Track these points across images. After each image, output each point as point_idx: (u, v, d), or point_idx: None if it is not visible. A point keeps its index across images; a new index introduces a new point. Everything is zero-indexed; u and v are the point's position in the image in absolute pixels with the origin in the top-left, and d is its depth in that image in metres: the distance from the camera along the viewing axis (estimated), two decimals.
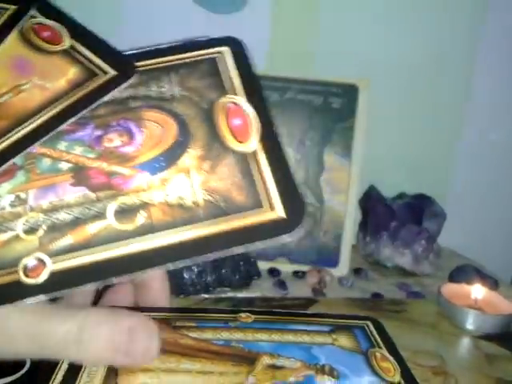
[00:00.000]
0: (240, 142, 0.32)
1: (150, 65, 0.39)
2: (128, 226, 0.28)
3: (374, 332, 0.47)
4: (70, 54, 0.40)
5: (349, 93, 0.88)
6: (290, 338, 0.44)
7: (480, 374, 0.59)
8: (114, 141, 0.32)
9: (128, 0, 0.90)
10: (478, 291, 0.75)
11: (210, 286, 0.74)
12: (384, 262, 0.92)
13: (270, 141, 0.32)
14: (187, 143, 0.32)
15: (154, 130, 0.32)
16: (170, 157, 0.31)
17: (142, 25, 0.91)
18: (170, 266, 0.29)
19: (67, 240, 0.27)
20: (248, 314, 0.47)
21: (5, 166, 0.31)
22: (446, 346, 0.64)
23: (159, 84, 0.36)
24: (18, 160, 0.31)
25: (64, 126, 0.33)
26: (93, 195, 0.29)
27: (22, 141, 0.33)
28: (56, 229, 0.27)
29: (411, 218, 0.93)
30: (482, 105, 1.06)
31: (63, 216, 0.28)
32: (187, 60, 0.38)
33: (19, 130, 0.33)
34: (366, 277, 0.87)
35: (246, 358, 0.41)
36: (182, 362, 0.37)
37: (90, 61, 0.39)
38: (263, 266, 0.82)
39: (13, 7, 0.43)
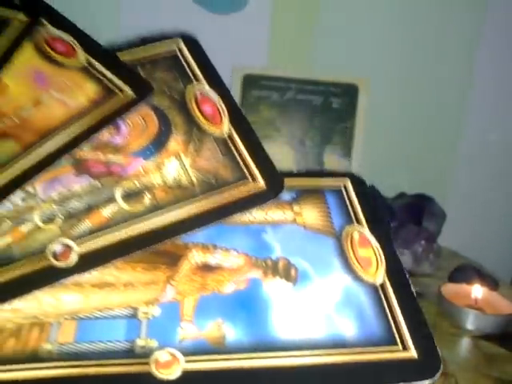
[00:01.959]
0: (214, 124, 0.35)
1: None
2: (137, 207, 0.31)
3: (354, 196, 0.39)
4: (85, 69, 0.42)
5: (349, 93, 0.88)
6: (235, 216, 0.36)
7: (480, 373, 0.59)
8: (103, 134, 0.34)
9: (128, 2, 0.90)
10: (477, 291, 0.75)
11: None
12: None
13: (238, 120, 0.36)
14: (170, 130, 0.35)
15: (136, 121, 0.36)
16: (158, 143, 0.34)
17: (141, 25, 0.91)
18: (179, 238, 0.32)
19: (86, 225, 0.30)
20: None
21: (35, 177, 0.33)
22: (446, 346, 0.64)
23: None
24: None
25: None
26: (97, 183, 0.31)
27: (49, 155, 0.34)
28: (72, 216, 0.30)
29: (411, 218, 0.93)
30: (482, 105, 1.06)
31: (75, 204, 0.30)
32: (150, 56, 0.41)
33: (45, 146, 0.35)
34: None
35: (168, 255, 0.33)
36: (103, 272, 0.32)
37: (106, 77, 0.41)
38: None
39: (25, 19, 0.44)
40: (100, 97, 0.39)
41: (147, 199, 0.31)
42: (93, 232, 0.30)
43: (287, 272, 0.33)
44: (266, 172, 0.35)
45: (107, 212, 0.30)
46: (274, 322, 0.32)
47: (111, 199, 0.30)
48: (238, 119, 0.36)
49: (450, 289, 0.76)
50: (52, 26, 0.44)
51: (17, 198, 0.30)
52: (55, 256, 0.29)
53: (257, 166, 0.36)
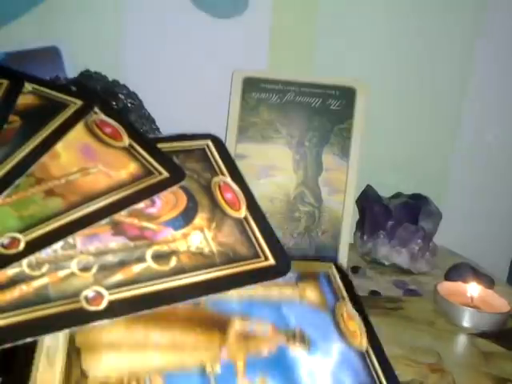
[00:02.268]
0: (234, 209, 0.42)
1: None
2: (164, 268, 0.35)
3: (338, 278, 0.50)
4: (129, 151, 0.47)
5: (347, 95, 0.88)
6: (259, 291, 0.44)
7: (476, 370, 0.59)
8: (140, 204, 0.40)
9: (129, 6, 0.91)
10: (473, 289, 0.76)
11: None
12: (381, 260, 0.93)
13: (254, 208, 0.43)
14: (196, 208, 0.41)
15: (169, 198, 0.41)
16: (186, 217, 0.40)
17: (143, 29, 0.92)
18: (196, 300, 0.37)
19: (118, 277, 0.34)
20: None
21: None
22: (442, 343, 0.65)
23: None
24: None
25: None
26: (131, 243, 0.36)
27: (90, 216, 0.38)
28: (106, 268, 0.34)
29: (408, 218, 0.94)
30: (477, 106, 1.07)
31: (110, 258, 0.34)
32: (184, 148, 0.48)
33: (87, 207, 0.39)
34: (364, 275, 0.89)
35: (216, 322, 0.40)
36: (150, 334, 0.37)
37: (146, 160, 0.46)
38: None
39: (79, 102, 0.51)
40: (140, 174, 0.44)
41: (173, 262, 0.35)
42: (123, 284, 0.33)
43: (302, 339, 0.41)
44: (276, 252, 0.41)
45: (137, 268, 0.34)
46: (303, 378, 0.40)
47: (142, 258, 0.34)
48: (253, 207, 0.42)
49: (446, 287, 0.77)
50: (101, 111, 0.50)
51: (57, 245, 0.33)
52: (87, 301, 0.32)
53: (268, 247, 0.40)
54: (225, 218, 0.41)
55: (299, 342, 0.42)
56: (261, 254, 0.40)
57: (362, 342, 0.44)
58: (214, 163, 0.45)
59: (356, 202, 0.97)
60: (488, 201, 1.12)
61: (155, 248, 0.37)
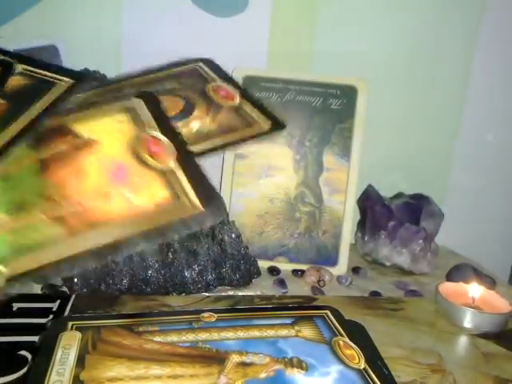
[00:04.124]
0: (227, 100, 0.47)
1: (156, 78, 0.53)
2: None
3: (334, 320, 0.53)
4: (166, 176, 0.45)
5: (348, 94, 0.88)
6: (256, 333, 0.48)
7: (477, 371, 0.59)
8: None
9: (129, 4, 0.91)
10: (475, 290, 0.76)
11: (210, 284, 0.74)
12: (382, 260, 0.93)
13: (244, 95, 0.48)
14: (193, 107, 0.46)
15: (168, 104, 0.46)
16: (184, 114, 0.45)
17: (142, 28, 0.92)
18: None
19: None
20: (211, 313, 0.50)
21: None
22: (443, 344, 0.65)
23: (164, 85, 0.49)
24: None
25: None
26: None
27: (96, 251, 0.40)
28: None
29: (409, 218, 0.93)
30: (478, 105, 1.07)
31: None
32: (180, 70, 0.53)
33: (90, 237, 0.39)
34: (365, 275, 0.88)
35: (215, 358, 0.44)
36: (150, 368, 0.41)
37: (184, 190, 0.44)
38: (263, 264, 0.83)
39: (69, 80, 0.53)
40: (165, 203, 0.43)
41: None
42: None
43: (300, 364, 0.45)
44: (270, 116, 0.48)
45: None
46: None
47: None
48: (247, 95, 0.48)
49: (447, 287, 0.76)
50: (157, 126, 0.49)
51: None
52: None
53: (263, 114, 0.48)
54: (220, 107, 0.47)
55: (297, 367, 0.45)
56: (252, 123, 0.47)
57: (361, 363, 0.47)
58: (206, 76, 0.51)
59: (357, 202, 0.97)
60: (490, 201, 1.12)
61: None
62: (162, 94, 0.47)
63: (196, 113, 0.45)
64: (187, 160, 0.47)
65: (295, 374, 0.44)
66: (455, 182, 1.10)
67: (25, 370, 0.48)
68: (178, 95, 0.47)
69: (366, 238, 0.95)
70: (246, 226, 0.86)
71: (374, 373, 0.47)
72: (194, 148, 0.42)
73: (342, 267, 0.88)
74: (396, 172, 1.05)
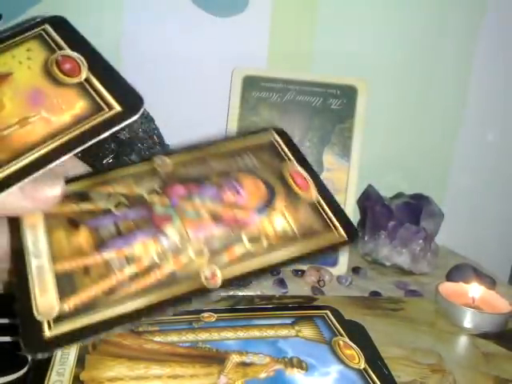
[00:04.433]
0: (304, 191, 0.46)
1: (230, 148, 0.51)
2: (258, 247, 0.41)
3: (334, 320, 0.54)
4: (82, 87, 0.44)
5: (348, 94, 0.88)
6: (256, 333, 0.49)
7: (477, 372, 0.59)
8: (229, 196, 0.45)
9: (129, 4, 0.91)
10: (475, 290, 0.76)
11: None
12: (382, 260, 0.92)
13: (322, 188, 0.47)
14: (275, 195, 0.46)
15: (251, 188, 0.46)
16: (268, 204, 0.45)
17: (142, 28, 0.92)
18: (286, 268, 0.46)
19: (224, 258, 0.40)
20: (210, 313, 0.51)
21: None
22: (443, 344, 0.65)
23: (243, 160, 0.49)
24: (170, 211, 0.43)
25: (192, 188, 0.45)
26: (229, 230, 0.42)
27: (16, 174, 0.39)
28: (215, 252, 0.40)
29: (409, 218, 0.93)
30: (478, 105, 1.07)
31: (217, 243, 0.41)
32: (254, 144, 0.51)
33: (15, 163, 0.39)
34: (365, 275, 0.88)
35: (215, 358, 0.45)
36: (150, 368, 0.42)
37: (100, 95, 0.44)
38: None
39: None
40: (85, 113, 0.42)
41: (264, 241, 0.42)
42: (229, 264, 0.40)
43: (300, 364, 0.46)
44: (345, 224, 0.45)
45: (238, 249, 0.41)
46: None
47: (239, 240, 0.42)
48: (321, 187, 0.47)
49: (447, 287, 0.76)
50: (64, 42, 0.48)
51: (175, 238, 0.41)
52: (206, 279, 0.39)
53: (338, 220, 0.45)
54: (298, 200, 0.46)
55: (297, 367, 0.45)
56: (332, 226, 0.44)
57: (361, 363, 0.47)
58: (282, 153, 0.50)
59: (357, 202, 0.97)
60: (490, 201, 1.12)
61: (248, 232, 0.42)
62: (243, 173, 0.48)
63: (277, 204, 0.46)
64: (101, 67, 0.47)
65: (295, 373, 0.45)
66: (455, 182, 1.10)
67: (25, 369, 0.48)
68: (259, 177, 0.48)
69: (365, 238, 0.95)
70: None
71: (373, 373, 0.47)
72: (281, 255, 0.42)
73: (342, 267, 0.88)
74: (396, 172, 1.04)
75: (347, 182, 0.88)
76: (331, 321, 0.54)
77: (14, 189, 0.38)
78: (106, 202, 0.43)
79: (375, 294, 0.81)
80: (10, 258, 0.39)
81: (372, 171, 0.97)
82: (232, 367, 0.44)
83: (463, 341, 0.67)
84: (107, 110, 0.43)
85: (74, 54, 0.47)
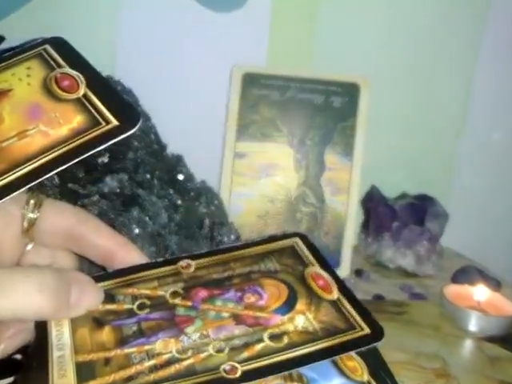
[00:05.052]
0: (327, 293, 0.48)
1: (253, 252, 0.53)
2: (279, 345, 0.43)
3: (304, 248, 0.54)
4: (80, 103, 0.46)
5: (350, 91, 0.88)
6: None
7: (483, 375, 0.59)
8: (250, 298, 0.47)
9: (125, 1, 0.90)
10: (480, 292, 0.76)
11: None
12: (386, 262, 0.92)
13: (344, 288, 0.48)
14: (296, 296, 0.48)
15: (273, 291, 0.48)
16: (289, 305, 0.47)
17: (141, 24, 0.91)
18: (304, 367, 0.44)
19: (245, 354, 0.42)
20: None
21: None
22: (448, 348, 0.64)
23: (265, 264, 0.51)
24: (193, 312, 0.45)
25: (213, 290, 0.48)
26: (250, 329, 0.44)
27: (13, 183, 0.41)
28: (235, 349, 0.42)
29: (413, 219, 0.93)
30: (484, 104, 1.06)
31: (237, 342, 0.43)
32: (276, 248, 0.53)
33: (13, 173, 0.41)
34: (368, 278, 0.87)
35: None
36: None
37: (97, 110, 0.46)
38: None
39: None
40: (82, 127, 0.44)
41: (285, 339, 0.44)
42: (250, 359, 0.42)
43: (300, 379, 0.45)
44: (369, 322, 0.46)
45: (258, 347, 0.43)
46: None
47: (261, 339, 0.44)
48: (343, 288, 0.48)
49: (452, 290, 0.76)
50: (63, 61, 0.50)
51: (195, 336, 0.43)
52: (226, 372, 0.40)
53: (362, 319, 0.46)
54: (321, 300, 0.48)
55: (297, 381, 0.45)
56: (356, 325, 0.45)
57: (364, 375, 0.47)
58: (304, 258, 0.52)
59: (360, 202, 0.96)
60: (495, 201, 1.12)
61: (269, 331, 0.44)
62: (265, 276, 0.50)
63: (299, 305, 0.48)
64: (99, 84, 0.48)
65: None
66: (460, 183, 1.09)
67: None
68: (281, 279, 0.50)
69: (369, 240, 0.94)
70: (246, 226, 0.85)
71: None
72: (302, 351, 0.44)
73: (344, 269, 0.87)
74: (400, 172, 1.04)
75: (350, 181, 0.87)
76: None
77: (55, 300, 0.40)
78: (129, 304, 0.45)
79: (378, 297, 0.80)
80: (32, 348, 0.41)
81: (375, 171, 0.96)
82: None
83: (468, 344, 0.67)
84: (104, 124, 0.45)
85: (73, 72, 0.48)
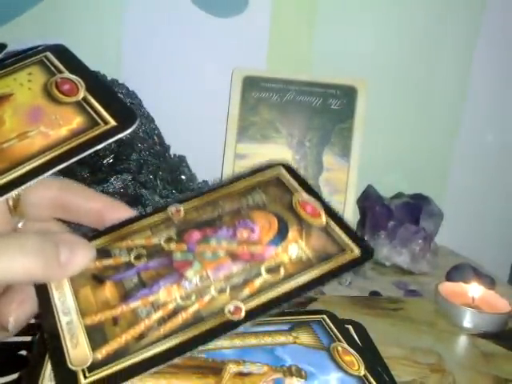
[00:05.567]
0: (315, 218, 0.48)
1: (239, 188, 0.53)
2: (276, 278, 0.43)
3: (331, 325, 0.53)
4: (80, 105, 0.47)
5: (347, 94, 0.88)
6: (252, 341, 0.49)
7: (477, 371, 0.59)
8: (243, 233, 0.47)
9: (129, 4, 0.90)
10: (475, 290, 0.76)
11: None
12: (382, 260, 0.92)
13: (331, 213, 0.48)
14: (287, 226, 0.47)
15: (263, 223, 0.48)
16: (281, 235, 0.47)
17: (143, 28, 0.92)
18: (303, 296, 0.44)
19: (246, 291, 0.42)
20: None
21: None
22: (443, 344, 0.65)
23: (253, 197, 0.51)
24: (190, 256, 0.45)
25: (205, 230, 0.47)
26: (247, 265, 0.44)
27: (15, 181, 0.41)
28: (236, 288, 0.42)
29: (409, 218, 0.93)
30: (478, 105, 1.07)
31: (236, 280, 0.43)
32: (264, 180, 0.53)
33: (14, 172, 0.41)
34: (364, 275, 0.88)
35: (211, 368, 0.45)
36: (145, 381, 0.41)
37: (96, 112, 0.46)
38: None
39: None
40: (81, 128, 0.45)
41: (282, 271, 0.44)
42: (251, 296, 0.42)
43: (299, 373, 0.45)
44: (358, 243, 0.46)
45: (257, 282, 0.43)
46: None
47: (259, 274, 0.44)
48: (330, 212, 0.48)
49: (447, 287, 0.76)
50: (64, 67, 0.50)
51: (196, 280, 0.43)
52: (230, 313, 0.41)
53: (351, 239, 0.46)
54: (310, 227, 0.47)
55: (296, 375, 0.45)
56: (346, 248, 0.45)
57: (360, 369, 0.47)
58: (289, 186, 0.52)
59: (356, 202, 0.96)
60: (489, 200, 1.12)
61: (266, 264, 0.44)
62: (254, 209, 0.50)
63: (291, 234, 0.48)
64: (98, 88, 0.49)
65: (294, 382, 0.45)
66: (455, 182, 1.10)
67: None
68: (270, 211, 0.50)
69: (365, 238, 0.94)
70: None
71: (374, 379, 0.47)
72: (299, 280, 0.44)
73: None
74: (396, 172, 1.04)
75: (347, 182, 0.88)
76: (328, 326, 0.53)
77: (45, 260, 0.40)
78: (126, 256, 0.44)
79: (375, 293, 0.80)
80: (40, 316, 0.40)
81: (372, 171, 0.97)
82: (229, 378, 0.43)
83: (463, 341, 0.67)
84: (103, 124, 0.45)
85: (73, 77, 0.49)
